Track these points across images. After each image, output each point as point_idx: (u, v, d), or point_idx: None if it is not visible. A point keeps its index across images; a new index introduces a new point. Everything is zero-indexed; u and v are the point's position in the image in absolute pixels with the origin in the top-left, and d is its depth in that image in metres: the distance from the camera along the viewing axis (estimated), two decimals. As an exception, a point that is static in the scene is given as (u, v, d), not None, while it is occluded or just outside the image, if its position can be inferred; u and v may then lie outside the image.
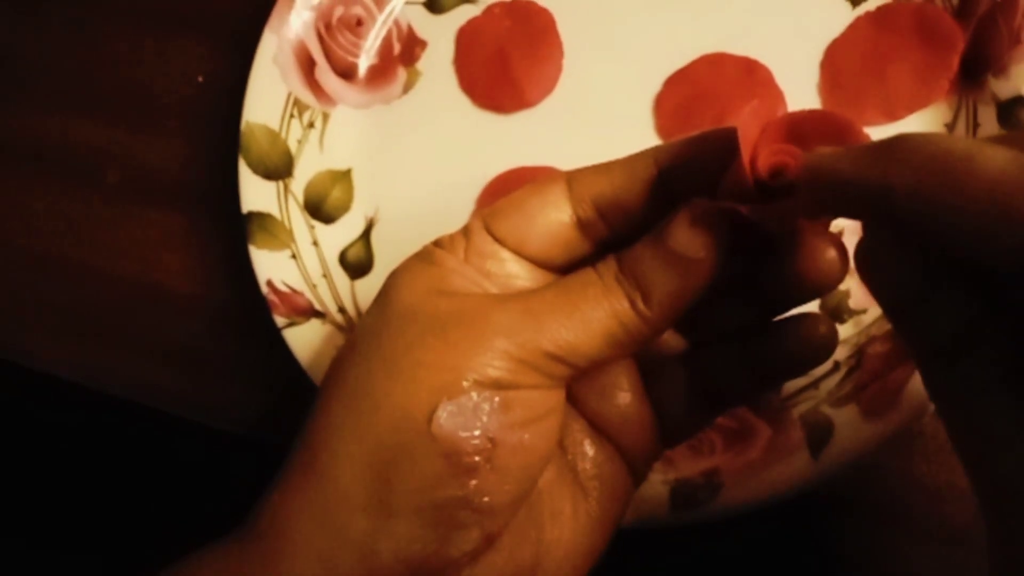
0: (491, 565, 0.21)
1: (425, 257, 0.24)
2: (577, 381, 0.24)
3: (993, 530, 0.17)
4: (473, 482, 0.21)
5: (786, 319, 0.24)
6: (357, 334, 0.23)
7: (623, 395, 0.25)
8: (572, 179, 0.24)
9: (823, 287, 0.23)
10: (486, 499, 0.21)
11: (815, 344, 0.24)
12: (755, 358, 0.24)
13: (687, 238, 0.21)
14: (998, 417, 0.17)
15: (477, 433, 0.21)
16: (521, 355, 0.21)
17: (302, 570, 0.21)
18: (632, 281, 0.22)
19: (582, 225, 0.24)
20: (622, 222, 0.24)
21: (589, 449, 0.24)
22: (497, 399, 0.21)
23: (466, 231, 0.24)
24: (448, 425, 0.20)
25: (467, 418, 0.21)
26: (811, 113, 0.21)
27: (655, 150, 0.23)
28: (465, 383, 0.21)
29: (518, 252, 0.24)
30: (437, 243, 0.25)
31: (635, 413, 0.25)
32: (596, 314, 0.22)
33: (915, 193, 0.16)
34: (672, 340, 0.25)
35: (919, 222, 0.16)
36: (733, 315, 0.25)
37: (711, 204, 0.21)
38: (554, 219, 0.24)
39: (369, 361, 0.22)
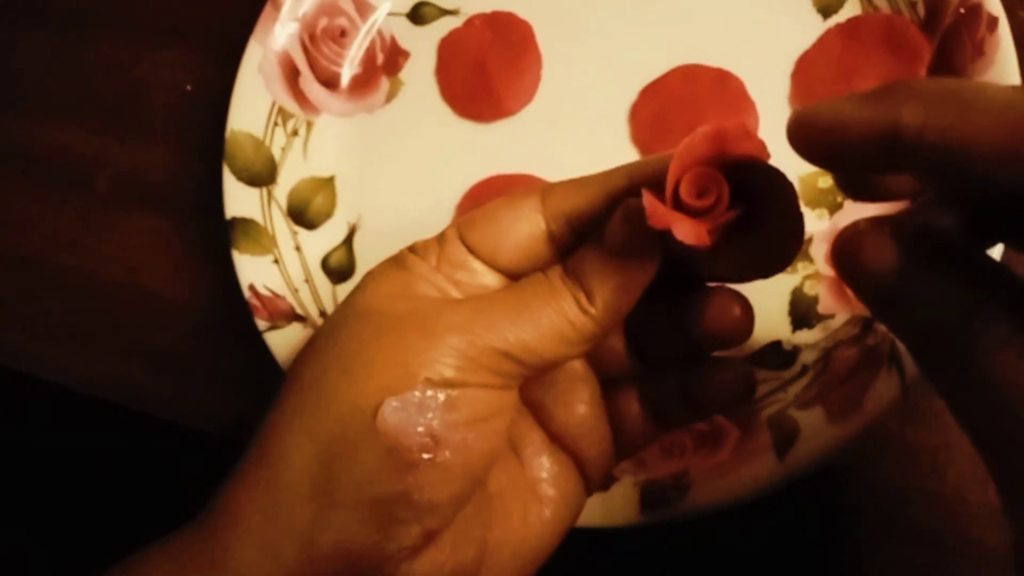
0: (431, 561, 0.22)
1: (398, 262, 0.25)
2: (538, 389, 0.25)
3: (1017, 513, 0.17)
4: (414, 479, 0.21)
5: (711, 359, 0.25)
6: (318, 332, 0.24)
7: (582, 407, 0.25)
8: (546, 193, 0.24)
9: (726, 342, 0.24)
10: (426, 496, 0.21)
11: (730, 389, 0.25)
12: (688, 388, 0.25)
13: (621, 235, 0.22)
14: (1011, 374, 0.16)
15: (420, 430, 0.21)
16: (472, 352, 0.22)
17: (248, 558, 0.21)
18: (575, 281, 0.23)
19: (553, 239, 0.24)
20: (591, 234, 0.24)
21: (545, 457, 0.25)
22: (443, 396, 0.21)
23: (441, 239, 0.25)
24: (392, 420, 0.21)
25: (411, 414, 0.21)
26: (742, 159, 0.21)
27: (629, 167, 0.24)
28: (414, 380, 0.21)
29: (489, 263, 0.24)
30: (412, 248, 0.25)
31: (593, 425, 0.25)
32: (544, 312, 0.22)
33: (925, 126, 0.17)
34: (626, 360, 0.26)
35: (930, 155, 0.17)
36: (668, 343, 0.25)
37: (641, 203, 0.21)
38: (526, 232, 0.24)
39: (324, 357, 0.23)
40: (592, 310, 0.22)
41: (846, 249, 0.19)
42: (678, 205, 0.21)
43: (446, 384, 0.21)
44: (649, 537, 0.31)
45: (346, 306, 0.24)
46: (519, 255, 0.24)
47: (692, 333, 0.24)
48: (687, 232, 0.20)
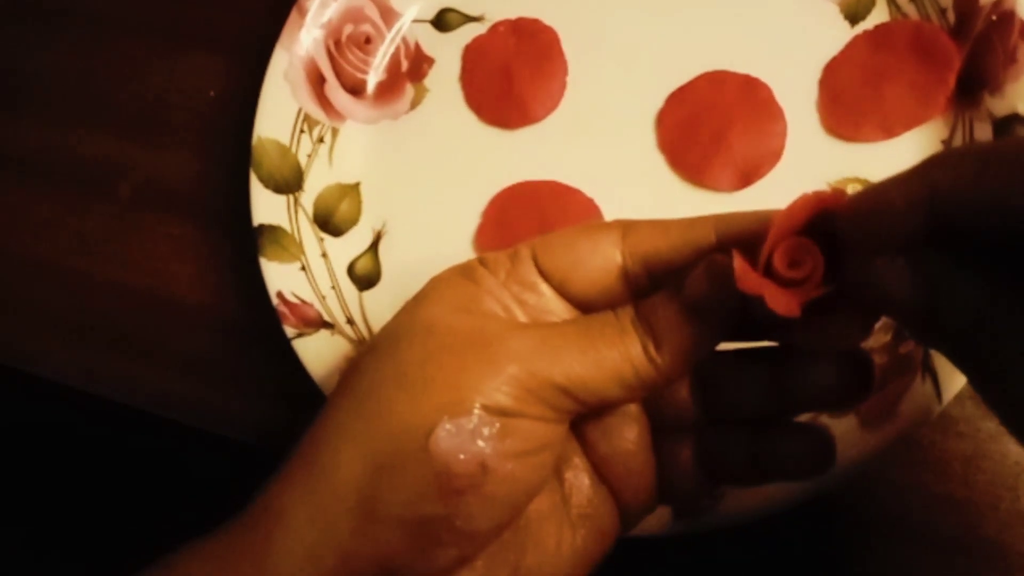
0: None
1: (466, 272, 0.25)
2: (589, 423, 0.25)
3: None
4: (458, 505, 0.21)
5: (794, 425, 0.25)
6: (379, 336, 0.24)
7: (629, 447, 0.25)
8: (628, 230, 0.24)
9: (846, 405, 0.24)
10: (467, 523, 0.21)
11: (806, 457, 0.24)
12: (759, 450, 0.25)
13: (701, 291, 0.22)
14: None
15: (470, 457, 0.21)
16: (531, 384, 0.21)
17: (289, 561, 0.22)
18: (646, 327, 0.22)
19: (627, 276, 0.24)
20: (667, 280, 0.24)
21: (587, 489, 0.25)
22: (497, 425, 0.21)
23: (513, 255, 0.25)
24: (444, 444, 0.21)
25: (463, 440, 0.21)
26: None
27: (716, 218, 0.23)
28: (470, 405, 0.21)
29: (559, 289, 0.24)
30: (482, 261, 0.25)
31: (638, 467, 0.25)
32: (610, 353, 0.22)
33: (955, 183, 0.18)
34: (689, 408, 0.26)
35: (962, 209, 0.18)
36: (751, 401, 0.25)
37: (727, 261, 0.21)
38: (601, 265, 0.24)
39: (383, 367, 0.23)
40: (658, 359, 0.22)
41: (866, 279, 0.20)
42: (768, 271, 0.21)
43: (501, 412, 0.21)
44: (678, 546, 0.31)
45: (409, 315, 0.24)
46: (590, 287, 0.24)
47: (797, 393, 0.24)
48: (778, 302, 0.20)
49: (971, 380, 0.20)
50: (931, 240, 0.19)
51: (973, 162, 0.18)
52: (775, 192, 0.35)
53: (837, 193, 0.20)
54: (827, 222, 0.21)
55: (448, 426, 0.21)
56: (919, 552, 0.31)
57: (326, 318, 0.36)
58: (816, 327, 0.22)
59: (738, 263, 0.20)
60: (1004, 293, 0.18)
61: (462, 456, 0.21)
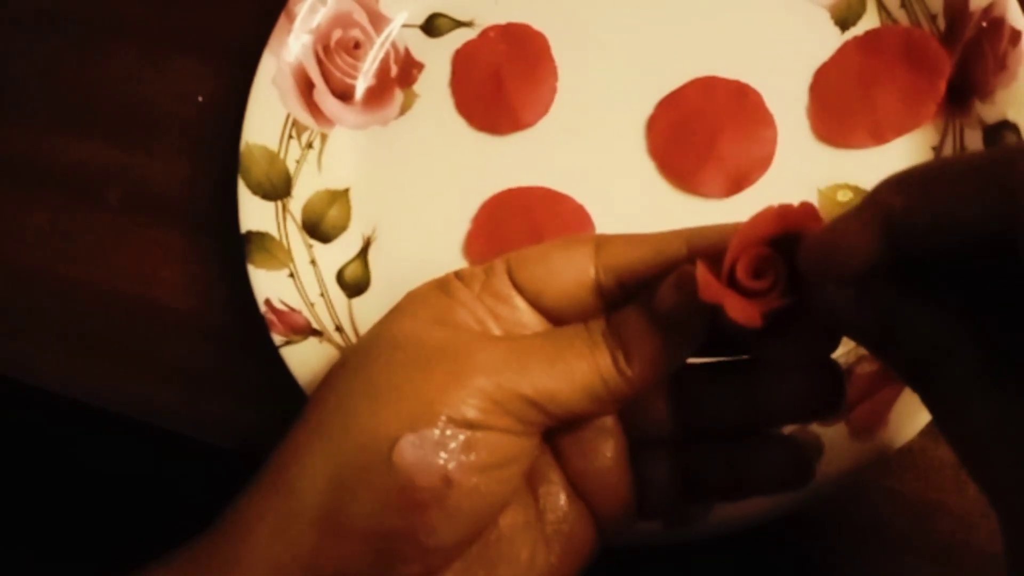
0: None
1: (442, 286, 0.25)
2: (565, 438, 0.25)
3: (1005, 528, 0.18)
4: (421, 518, 0.21)
5: (770, 436, 0.25)
6: (351, 350, 0.24)
7: (606, 461, 0.24)
8: (601, 244, 0.24)
9: (821, 417, 0.24)
10: (431, 537, 0.21)
11: (783, 471, 0.24)
12: (735, 463, 0.24)
13: (670, 303, 0.22)
14: (980, 413, 0.17)
15: (434, 470, 0.21)
16: (498, 396, 0.21)
17: (253, 574, 0.21)
18: (616, 339, 0.22)
19: (600, 290, 0.24)
20: (640, 293, 0.23)
21: (562, 503, 0.24)
22: (462, 437, 0.21)
23: (488, 270, 0.25)
24: (408, 457, 0.21)
25: (427, 452, 0.21)
26: None
27: (689, 232, 0.23)
28: (436, 417, 0.21)
29: (533, 302, 0.24)
30: (458, 275, 0.25)
31: (614, 482, 0.25)
32: (579, 365, 0.22)
33: (907, 208, 0.18)
34: (666, 422, 0.25)
35: (917, 234, 0.18)
36: (726, 413, 0.25)
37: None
38: (574, 278, 0.24)
39: (352, 380, 0.23)
40: (628, 372, 0.22)
41: (822, 305, 0.20)
42: (733, 282, 0.21)
43: (467, 425, 0.21)
44: (669, 555, 0.30)
45: (383, 328, 0.24)
46: (563, 300, 0.24)
47: (770, 406, 0.24)
48: (739, 311, 0.20)
49: (929, 410, 0.20)
50: (895, 270, 0.19)
51: (920, 183, 0.18)
52: (765, 199, 0.33)
53: (804, 206, 0.20)
54: (794, 233, 0.21)
55: (412, 438, 0.21)
56: (910, 560, 0.31)
57: (315, 325, 0.36)
58: (782, 339, 0.22)
59: (701, 272, 0.20)
60: (965, 322, 0.18)
61: (425, 468, 0.21)
